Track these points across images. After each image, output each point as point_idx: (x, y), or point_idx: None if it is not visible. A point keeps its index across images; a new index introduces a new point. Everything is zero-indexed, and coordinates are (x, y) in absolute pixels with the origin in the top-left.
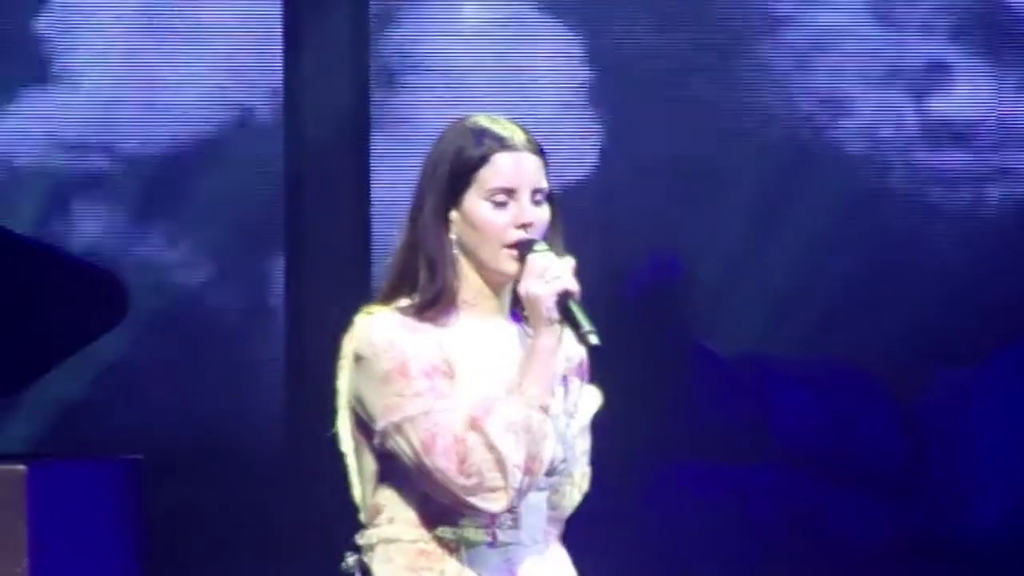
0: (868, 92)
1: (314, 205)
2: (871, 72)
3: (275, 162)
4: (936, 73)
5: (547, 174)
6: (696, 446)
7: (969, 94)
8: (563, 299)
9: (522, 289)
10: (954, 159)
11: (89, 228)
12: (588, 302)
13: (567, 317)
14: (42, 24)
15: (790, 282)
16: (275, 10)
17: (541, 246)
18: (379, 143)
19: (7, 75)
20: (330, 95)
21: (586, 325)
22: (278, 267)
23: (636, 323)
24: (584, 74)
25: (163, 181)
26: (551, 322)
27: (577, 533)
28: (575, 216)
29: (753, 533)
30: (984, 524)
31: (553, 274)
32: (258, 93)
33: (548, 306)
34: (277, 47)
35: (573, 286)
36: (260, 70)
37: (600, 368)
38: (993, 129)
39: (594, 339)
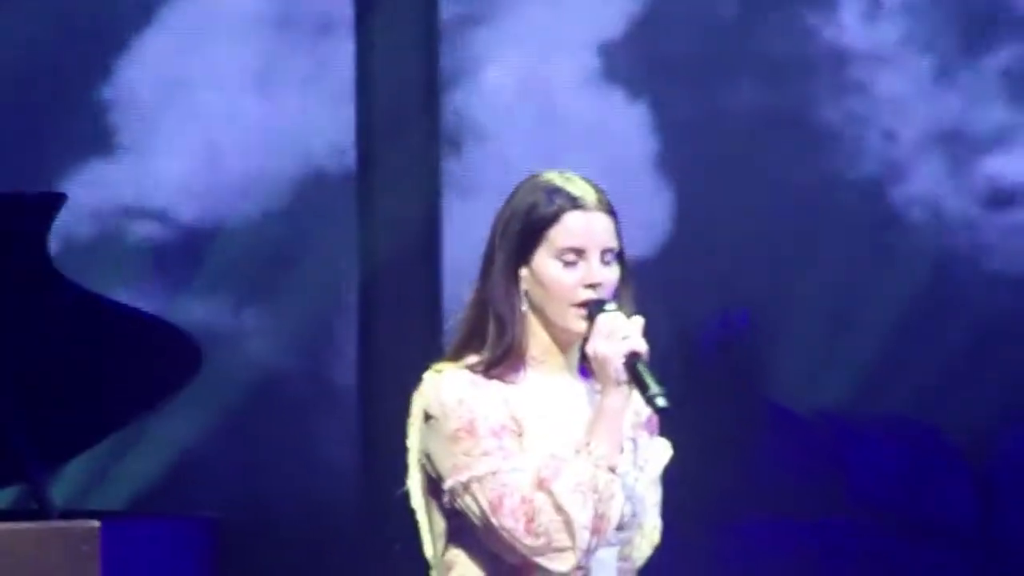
0: (941, 155)
1: (386, 268)
2: (938, 135)
3: (348, 227)
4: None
5: (618, 233)
6: (768, 502)
7: None
8: (631, 360)
9: (590, 349)
10: None
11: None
12: (659, 358)
13: (635, 378)
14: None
15: (867, 341)
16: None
17: (611, 306)
18: (450, 201)
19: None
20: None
21: (654, 388)
22: (350, 327)
23: (708, 378)
24: (658, 134)
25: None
26: (619, 383)
27: None
28: (648, 274)
29: None
30: None
31: (622, 335)
32: (328, 146)
33: (616, 367)
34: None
35: (642, 347)
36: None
37: (672, 423)
38: None
39: (662, 402)
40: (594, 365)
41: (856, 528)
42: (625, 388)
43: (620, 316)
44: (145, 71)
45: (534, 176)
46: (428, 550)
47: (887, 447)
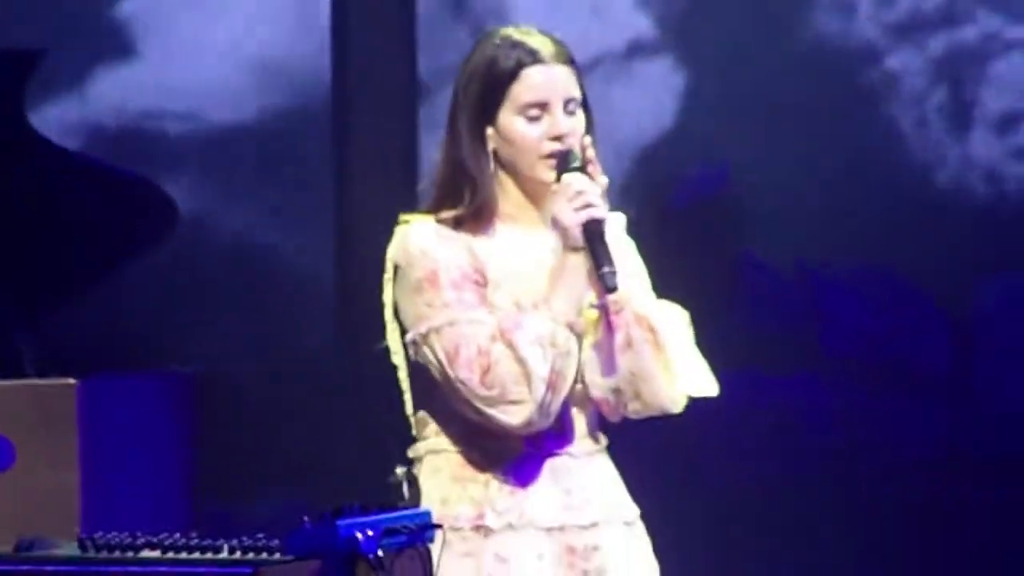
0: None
1: (362, 121)
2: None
3: (323, 79)
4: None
5: (580, 82)
6: (744, 356)
7: None
8: (589, 228)
9: (552, 211)
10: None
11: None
12: (637, 211)
13: (591, 250)
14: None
15: (841, 192)
16: None
17: (576, 161)
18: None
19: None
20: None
21: (606, 266)
22: (328, 188)
23: (684, 234)
24: None
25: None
26: (576, 250)
27: (621, 443)
28: (631, 129)
29: (802, 442)
30: None
31: (583, 201)
32: None
33: (574, 235)
34: None
35: (601, 215)
36: None
37: (649, 277)
38: None
39: (612, 281)
40: (554, 227)
41: (831, 382)
42: (583, 252)
43: (583, 178)
44: None
45: (490, 33)
46: (408, 406)
47: (862, 299)
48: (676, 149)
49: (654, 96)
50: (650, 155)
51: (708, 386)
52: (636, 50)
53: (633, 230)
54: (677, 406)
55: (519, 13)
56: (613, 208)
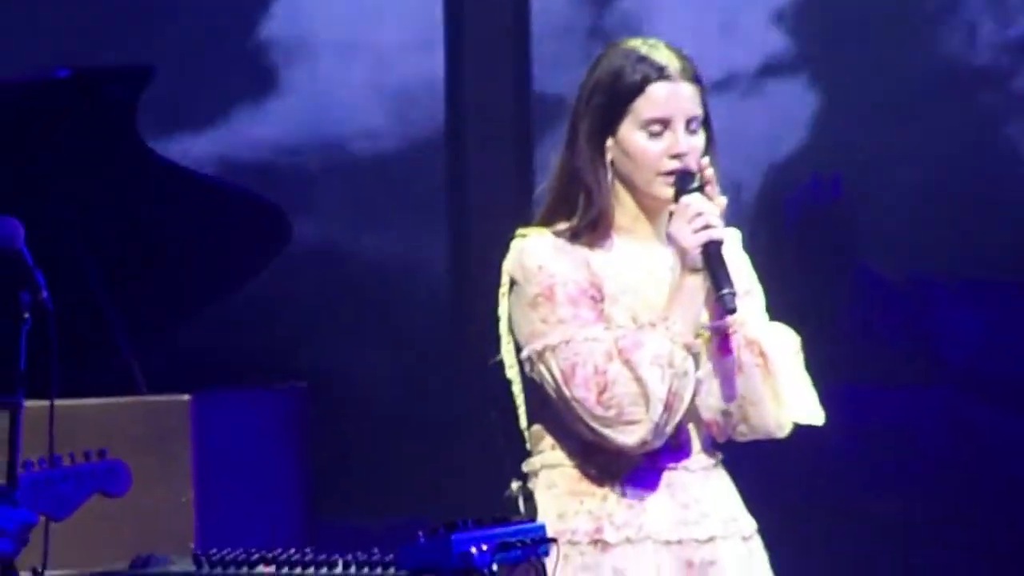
0: None
1: (475, 137)
2: None
3: (436, 100)
4: None
5: (703, 100)
6: (861, 369)
7: None
8: (708, 250)
9: (670, 231)
10: None
11: None
12: (749, 221)
13: (710, 272)
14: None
15: (956, 202)
16: None
17: (695, 181)
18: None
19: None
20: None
21: (725, 287)
22: (443, 196)
23: (798, 244)
24: None
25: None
26: (694, 271)
27: (741, 459)
28: (740, 140)
29: (920, 457)
30: None
31: (702, 222)
32: None
33: (693, 256)
34: None
35: (720, 236)
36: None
37: (763, 290)
38: None
39: (731, 303)
40: (672, 247)
41: (950, 397)
42: (701, 274)
43: (702, 199)
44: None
45: (617, 44)
46: (523, 420)
47: (981, 313)
48: (799, 164)
49: (784, 113)
50: (776, 170)
51: (814, 414)
52: (769, 69)
53: (752, 243)
54: (783, 432)
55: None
56: (734, 223)
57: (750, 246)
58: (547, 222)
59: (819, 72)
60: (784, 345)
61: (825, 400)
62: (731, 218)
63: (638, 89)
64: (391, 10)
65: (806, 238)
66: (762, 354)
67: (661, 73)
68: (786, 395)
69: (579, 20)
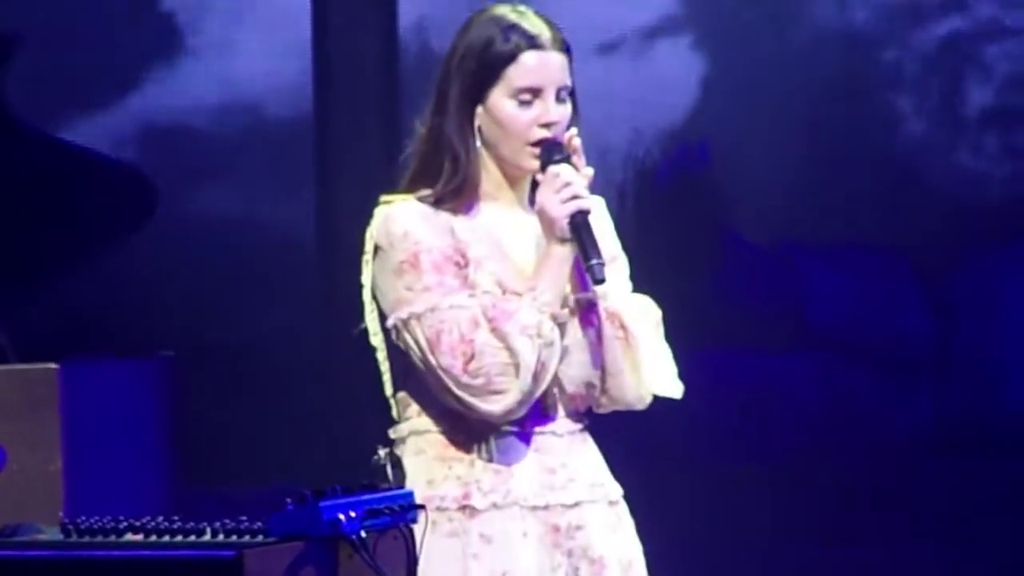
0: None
1: (343, 101)
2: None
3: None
4: None
5: (572, 70)
6: (729, 333)
7: None
8: (576, 220)
9: (538, 201)
10: None
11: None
12: (617, 190)
13: (578, 242)
14: None
15: (821, 170)
16: None
17: (562, 151)
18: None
19: None
20: None
21: (595, 258)
22: (308, 168)
23: (666, 211)
24: None
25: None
26: (563, 241)
27: (606, 423)
28: (612, 112)
29: (787, 420)
30: (1017, 404)
31: (570, 192)
32: None
33: (561, 226)
34: None
35: (587, 206)
36: None
37: (630, 258)
38: None
39: (599, 273)
40: (540, 218)
41: (815, 360)
42: (569, 244)
43: (569, 169)
44: None
45: (486, 10)
46: (388, 388)
47: (845, 277)
48: (676, 129)
49: (661, 79)
50: (651, 136)
51: (673, 387)
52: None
53: (620, 209)
54: (643, 404)
55: None
56: (601, 191)
57: (618, 212)
58: (411, 188)
59: (701, 38)
60: (645, 317)
61: (694, 366)
62: (600, 183)
63: (510, 57)
64: None
65: (675, 204)
66: (622, 326)
67: (533, 42)
68: (646, 368)
69: None
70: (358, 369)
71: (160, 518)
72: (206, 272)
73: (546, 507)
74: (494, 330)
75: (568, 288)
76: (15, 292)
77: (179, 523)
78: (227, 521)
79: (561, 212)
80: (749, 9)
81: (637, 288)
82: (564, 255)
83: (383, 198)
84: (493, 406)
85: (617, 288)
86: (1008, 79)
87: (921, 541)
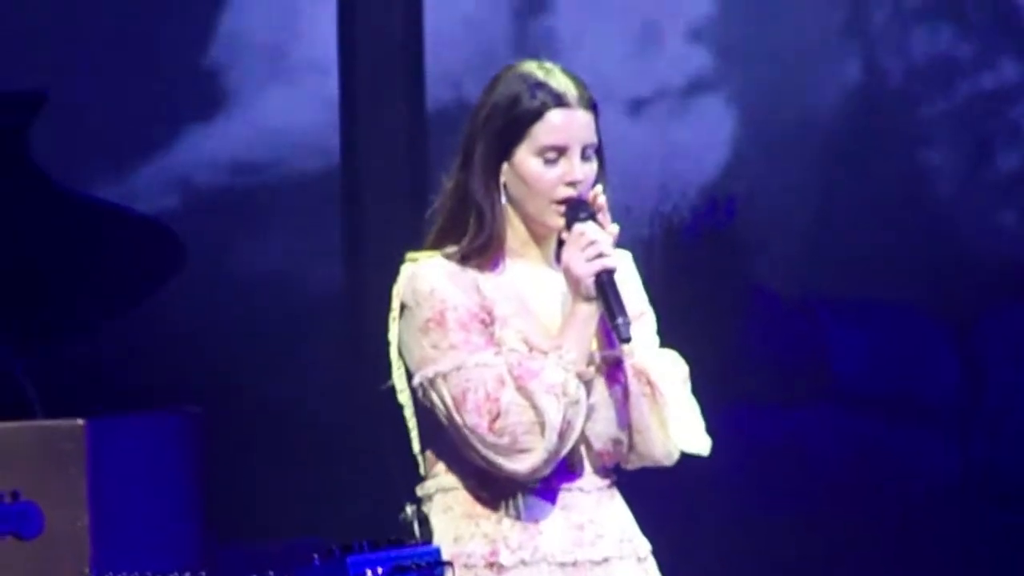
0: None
1: (369, 159)
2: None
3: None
4: None
5: (597, 128)
6: (754, 388)
7: None
8: (601, 279)
9: (563, 260)
10: None
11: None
12: (645, 245)
13: (603, 301)
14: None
15: (846, 225)
16: None
17: (587, 211)
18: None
19: None
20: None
21: (619, 317)
22: (336, 224)
23: (692, 266)
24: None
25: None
26: (588, 300)
27: (634, 476)
28: (635, 166)
29: (813, 474)
30: None
31: (595, 251)
32: None
33: (586, 285)
34: None
35: (612, 265)
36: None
37: (656, 309)
38: None
39: (625, 332)
40: (566, 276)
41: (841, 414)
42: (595, 302)
43: (595, 227)
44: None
45: (513, 67)
46: (415, 445)
47: (871, 332)
48: (703, 185)
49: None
50: (677, 191)
51: (701, 443)
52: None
53: (647, 264)
54: (671, 460)
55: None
56: (627, 245)
57: (644, 267)
58: (437, 244)
59: (732, 94)
60: (672, 374)
61: (719, 419)
62: (626, 238)
63: (536, 115)
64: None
65: (702, 260)
66: (649, 383)
67: (559, 100)
68: (673, 424)
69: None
70: (386, 425)
71: (187, 574)
72: (234, 327)
73: (575, 564)
74: (520, 388)
75: (594, 345)
76: (43, 347)
77: None
78: None
79: (586, 271)
80: (778, 67)
81: (664, 343)
82: (590, 313)
83: (409, 255)
84: (519, 465)
85: (644, 344)
86: None
87: None
